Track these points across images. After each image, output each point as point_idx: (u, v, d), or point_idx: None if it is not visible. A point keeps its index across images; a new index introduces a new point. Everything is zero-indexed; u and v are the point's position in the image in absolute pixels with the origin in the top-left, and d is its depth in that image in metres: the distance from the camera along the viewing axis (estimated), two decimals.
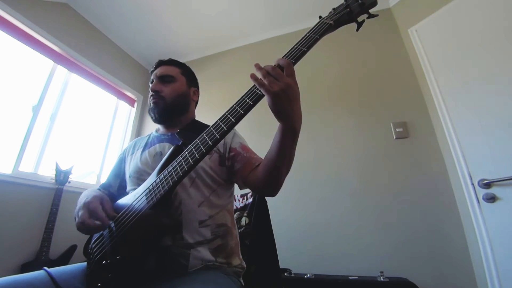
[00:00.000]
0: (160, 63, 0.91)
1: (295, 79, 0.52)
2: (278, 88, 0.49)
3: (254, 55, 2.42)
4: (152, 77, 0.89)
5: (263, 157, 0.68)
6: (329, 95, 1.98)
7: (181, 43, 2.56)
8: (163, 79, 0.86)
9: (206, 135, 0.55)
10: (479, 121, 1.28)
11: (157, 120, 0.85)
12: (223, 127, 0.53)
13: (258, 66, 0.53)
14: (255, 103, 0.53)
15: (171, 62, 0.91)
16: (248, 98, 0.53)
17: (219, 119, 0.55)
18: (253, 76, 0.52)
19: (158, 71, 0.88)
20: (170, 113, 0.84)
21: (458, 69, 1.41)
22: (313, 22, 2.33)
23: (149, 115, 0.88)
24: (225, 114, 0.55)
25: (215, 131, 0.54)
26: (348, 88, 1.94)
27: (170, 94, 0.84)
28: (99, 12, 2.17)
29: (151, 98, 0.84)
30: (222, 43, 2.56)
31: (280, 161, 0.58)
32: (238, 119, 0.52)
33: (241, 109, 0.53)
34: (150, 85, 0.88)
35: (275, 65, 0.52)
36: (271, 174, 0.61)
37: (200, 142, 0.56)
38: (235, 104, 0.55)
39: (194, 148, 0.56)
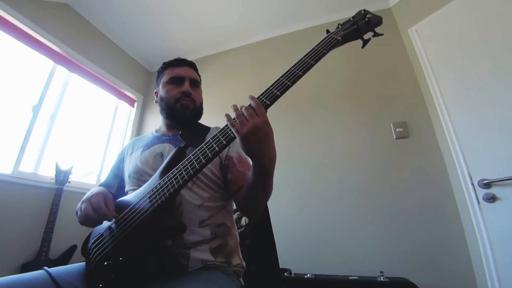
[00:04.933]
0: (185, 63, 0.88)
1: (266, 119, 0.52)
2: (246, 130, 0.50)
3: (254, 55, 2.42)
4: (175, 73, 0.84)
5: None
6: (328, 95, 1.98)
7: (182, 43, 2.56)
8: (193, 83, 0.86)
9: (213, 140, 0.56)
10: (479, 121, 1.28)
11: (180, 122, 0.82)
12: (230, 134, 0.54)
13: (234, 107, 0.55)
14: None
15: (195, 67, 0.91)
16: (222, 137, 0.55)
17: (226, 125, 0.56)
18: (227, 116, 0.54)
19: (188, 72, 0.86)
20: (196, 118, 0.85)
21: (458, 69, 1.41)
22: (312, 22, 2.33)
23: (169, 113, 0.82)
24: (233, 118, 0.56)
25: (222, 137, 0.55)
26: (348, 88, 1.94)
27: (198, 99, 0.86)
28: (99, 12, 2.17)
29: (183, 98, 0.81)
30: (223, 43, 2.56)
31: (255, 195, 0.62)
32: None
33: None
34: (169, 79, 0.84)
35: (248, 106, 0.53)
36: (249, 203, 0.65)
37: (206, 146, 0.56)
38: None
39: (200, 152, 0.57)
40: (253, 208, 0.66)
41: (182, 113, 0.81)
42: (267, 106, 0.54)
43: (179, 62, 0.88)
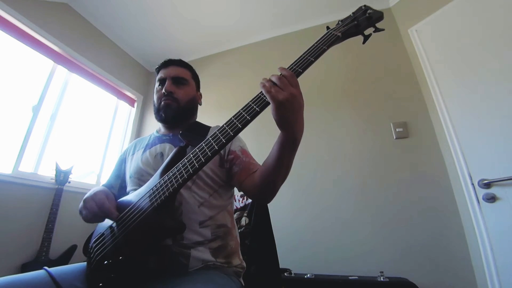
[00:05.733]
0: (171, 63, 0.88)
1: (300, 90, 0.52)
2: (282, 97, 0.49)
3: (254, 55, 2.42)
4: (161, 75, 0.86)
5: (261, 163, 0.69)
6: (328, 95, 1.98)
7: (181, 43, 2.56)
8: (177, 81, 0.85)
9: (212, 139, 0.55)
10: (479, 121, 1.28)
11: (165, 121, 0.84)
12: (229, 132, 0.53)
13: (265, 79, 0.54)
14: (261, 109, 0.53)
15: (183, 64, 0.90)
16: (255, 104, 0.54)
17: (225, 124, 0.55)
18: (262, 83, 0.52)
19: (170, 71, 0.86)
20: (182, 117, 0.84)
21: (458, 69, 1.41)
22: (312, 22, 2.33)
23: (156, 114, 0.85)
24: (231, 119, 0.55)
25: (221, 135, 0.54)
26: (348, 88, 1.94)
27: (183, 97, 0.84)
28: (99, 12, 2.17)
29: (164, 98, 0.82)
30: (223, 43, 2.56)
31: (277, 170, 0.59)
32: (244, 125, 0.53)
33: (248, 115, 0.53)
34: (157, 83, 0.86)
35: (280, 75, 0.53)
36: (267, 182, 0.62)
37: (205, 145, 0.56)
38: (241, 109, 0.55)
39: (199, 151, 0.56)
40: (270, 188, 0.63)
41: (164, 113, 0.82)
42: (257, 112, 0.54)
43: (165, 64, 0.89)
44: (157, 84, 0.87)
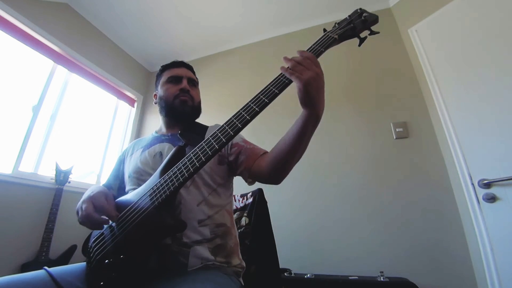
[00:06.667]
0: (183, 64, 0.92)
1: (321, 69, 0.55)
2: (308, 76, 0.52)
3: (254, 55, 2.42)
4: (174, 73, 0.87)
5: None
6: (328, 95, 1.98)
7: (181, 43, 2.56)
8: (191, 82, 0.89)
9: (213, 138, 0.56)
10: (479, 121, 1.28)
11: (178, 117, 0.84)
12: (229, 132, 0.55)
13: (286, 58, 0.57)
14: (261, 109, 0.55)
15: (192, 68, 0.94)
16: (254, 105, 0.55)
17: (225, 123, 0.57)
18: (283, 68, 0.56)
19: (186, 72, 0.89)
20: (194, 116, 0.87)
21: (458, 69, 1.41)
22: (312, 22, 2.33)
23: (168, 109, 0.84)
24: (231, 118, 0.57)
25: (222, 135, 0.55)
26: (348, 88, 1.94)
27: (197, 97, 0.89)
28: (99, 12, 2.17)
29: (181, 95, 0.83)
30: (223, 43, 2.56)
31: (297, 147, 0.61)
32: (244, 124, 0.55)
33: (248, 115, 0.55)
34: (167, 79, 0.87)
35: (302, 57, 0.55)
36: (283, 161, 0.64)
37: (206, 144, 0.57)
38: (241, 109, 0.56)
39: (199, 150, 0.57)
40: (285, 167, 0.65)
41: (181, 109, 0.83)
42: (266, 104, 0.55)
43: (177, 64, 0.91)
44: (167, 80, 0.87)
